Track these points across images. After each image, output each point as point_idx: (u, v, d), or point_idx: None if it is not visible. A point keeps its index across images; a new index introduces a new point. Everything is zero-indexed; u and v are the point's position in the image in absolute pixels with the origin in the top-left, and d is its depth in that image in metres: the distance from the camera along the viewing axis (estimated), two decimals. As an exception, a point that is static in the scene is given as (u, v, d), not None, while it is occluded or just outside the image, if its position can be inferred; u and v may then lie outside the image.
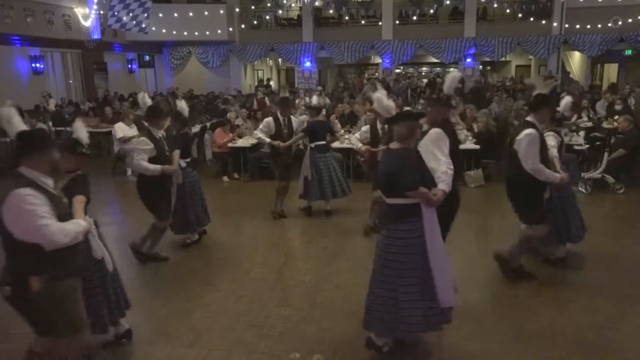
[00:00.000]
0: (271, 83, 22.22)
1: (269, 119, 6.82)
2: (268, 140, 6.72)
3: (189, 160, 5.85)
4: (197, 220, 5.93)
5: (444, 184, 3.48)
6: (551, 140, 4.80)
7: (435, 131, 3.86)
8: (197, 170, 6.07)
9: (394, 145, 3.43)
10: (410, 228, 3.34)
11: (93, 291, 3.49)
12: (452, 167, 3.65)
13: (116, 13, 13.79)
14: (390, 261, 3.38)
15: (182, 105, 6.03)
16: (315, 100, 7.73)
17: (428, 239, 3.34)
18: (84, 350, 3.16)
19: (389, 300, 3.40)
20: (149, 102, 5.65)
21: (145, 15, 14.27)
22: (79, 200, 3.13)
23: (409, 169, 3.29)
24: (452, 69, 23.73)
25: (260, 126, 6.91)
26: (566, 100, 5.47)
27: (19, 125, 2.87)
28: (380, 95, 4.23)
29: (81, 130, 3.50)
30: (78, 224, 2.86)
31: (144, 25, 14.40)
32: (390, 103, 3.98)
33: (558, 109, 5.13)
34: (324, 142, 6.92)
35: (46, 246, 2.67)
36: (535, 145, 4.34)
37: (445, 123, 4.01)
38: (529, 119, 4.53)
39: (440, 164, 3.62)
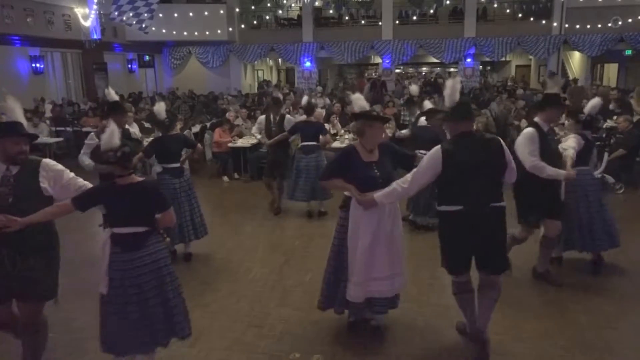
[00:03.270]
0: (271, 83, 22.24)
1: (262, 117, 7.40)
2: (259, 136, 7.45)
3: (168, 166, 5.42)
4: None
5: (382, 192, 3.47)
6: (571, 142, 4.65)
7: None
8: (182, 178, 5.43)
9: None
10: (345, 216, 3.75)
11: None
12: (407, 186, 3.46)
13: (121, 7, 13.74)
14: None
15: (159, 107, 5.56)
16: (305, 100, 7.61)
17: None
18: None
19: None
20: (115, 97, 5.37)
21: (149, 16, 14.33)
22: None
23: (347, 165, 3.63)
24: (452, 69, 23.80)
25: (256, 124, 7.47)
26: (594, 101, 4.94)
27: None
28: (358, 96, 3.91)
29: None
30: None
31: (144, 26, 14.41)
32: (365, 103, 3.93)
33: (584, 110, 4.86)
34: (311, 143, 6.92)
35: None
36: (532, 143, 4.26)
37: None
38: (535, 119, 4.48)
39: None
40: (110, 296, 3.12)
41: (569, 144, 4.62)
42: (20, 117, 3.17)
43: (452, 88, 3.50)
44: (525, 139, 4.31)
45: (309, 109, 7.09)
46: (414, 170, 3.47)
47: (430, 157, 3.39)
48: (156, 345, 3.26)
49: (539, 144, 4.28)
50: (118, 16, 13.96)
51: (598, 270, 4.94)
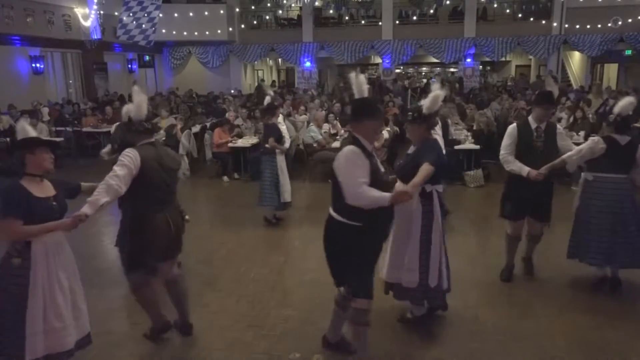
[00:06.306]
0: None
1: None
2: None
3: None
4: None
5: None
6: (584, 144, 4.47)
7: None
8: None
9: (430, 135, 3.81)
10: None
11: None
12: None
13: (125, 26, 14.82)
14: None
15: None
16: (267, 100, 6.95)
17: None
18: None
19: None
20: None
21: (153, 29, 15.14)
22: None
23: None
24: (452, 69, 23.78)
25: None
26: (626, 100, 4.39)
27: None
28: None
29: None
30: None
31: (150, 39, 15.23)
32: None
33: (615, 110, 4.40)
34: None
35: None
36: (508, 137, 4.60)
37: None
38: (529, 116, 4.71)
39: None
40: None
41: (580, 146, 4.49)
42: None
43: (358, 85, 3.70)
44: (506, 133, 4.68)
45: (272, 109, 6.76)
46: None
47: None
48: None
49: (516, 139, 4.56)
50: (124, 34, 14.86)
51: (614, 288, 4.59)
